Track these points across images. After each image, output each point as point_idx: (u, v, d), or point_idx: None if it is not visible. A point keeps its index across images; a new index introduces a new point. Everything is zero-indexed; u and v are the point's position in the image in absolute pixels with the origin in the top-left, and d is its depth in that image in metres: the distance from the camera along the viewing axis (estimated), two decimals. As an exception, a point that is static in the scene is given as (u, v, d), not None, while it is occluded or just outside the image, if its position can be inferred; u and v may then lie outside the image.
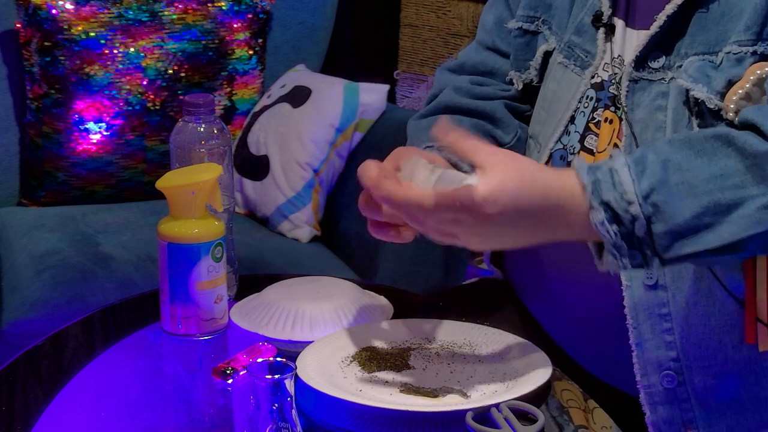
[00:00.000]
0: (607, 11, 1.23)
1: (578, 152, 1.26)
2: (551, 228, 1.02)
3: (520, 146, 1.37)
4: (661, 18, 1.16)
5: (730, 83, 1.11)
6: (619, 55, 1.22)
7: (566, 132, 1.27)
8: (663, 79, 1.17)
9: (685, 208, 1.00)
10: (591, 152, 1.25)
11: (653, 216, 1.00)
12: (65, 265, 1.96)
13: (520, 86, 1.38)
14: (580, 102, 1.26)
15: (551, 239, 1.04)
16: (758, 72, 1.09)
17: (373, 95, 2.28)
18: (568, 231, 1.03)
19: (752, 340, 1.14)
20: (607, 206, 1.00)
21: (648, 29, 1.18)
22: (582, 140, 1.25)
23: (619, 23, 1.23)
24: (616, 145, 1.21)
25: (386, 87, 2.32)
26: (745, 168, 1.01)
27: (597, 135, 1.24)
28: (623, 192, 1.00)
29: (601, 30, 1.24)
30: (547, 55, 1.33)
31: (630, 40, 1.22)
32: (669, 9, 1.15)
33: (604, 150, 1.23)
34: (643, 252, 1.01)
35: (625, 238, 1.00)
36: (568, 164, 1.27)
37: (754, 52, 1.10)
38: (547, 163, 1.31)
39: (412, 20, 2.96)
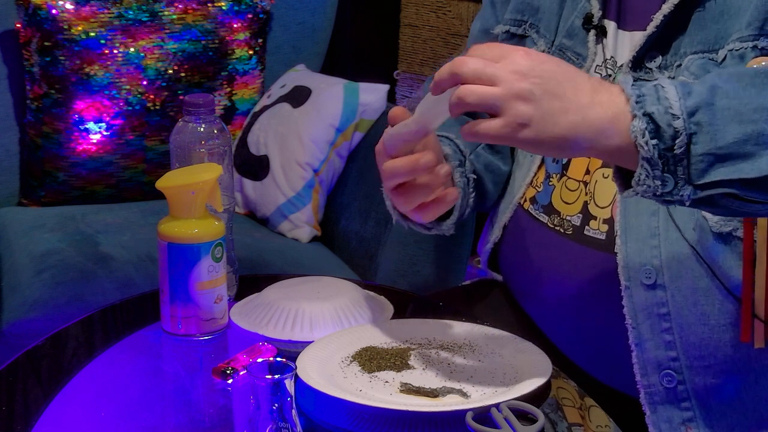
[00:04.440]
0: (597, 13, 1.24)
1: None
2: (594, 105, 0.98)
3: None
4: (657, 18, 1.16)
5: None
6: (612, 57, 1.22)
7: None
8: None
9: (729, 133, 0.97)
10: None
11: (695, 135, 0.97)
12: (65, 265, 1.96)
13: None
14: None
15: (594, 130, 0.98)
16: (755, 66, 1.09)
17: (373, 95, 2.28)
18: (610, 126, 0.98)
19: (747, 338, 1.14)
20: (650, 118, 0.97)
21: (642, 30, 1.18)
22: None
23: (610, 25, 1.23)
24: None
25: (386, 87, 2.32)
26: None
27: None
28: (668, 106, 0.97)
29: (592, 32, 1.24)
30: None
31: (622, 42, 1.22)
32: (666, 9, 1.16)
33: None
34: (676, 176, 0.98)
35: (662, 155, 0.97)
36: (563, 166, 1.28)
37: (755, 47, 1.10)
38: (540, 167, 1.31)
39: (412, 20, 2.96)
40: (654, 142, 0.97)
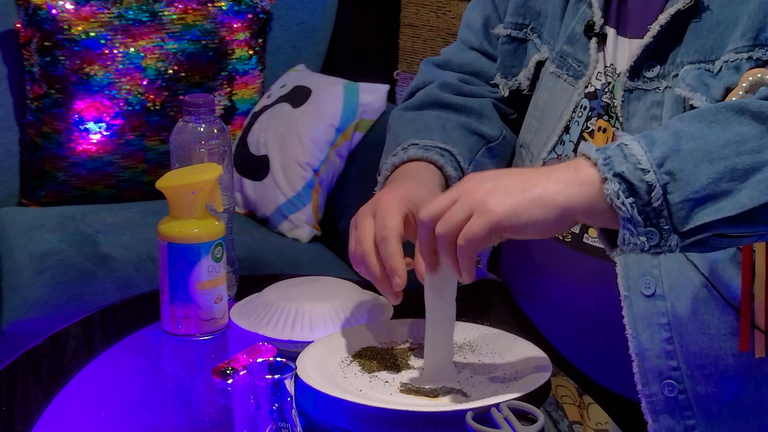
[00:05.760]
0: (599, 20, 1.23)
1: None
2: (564, 183, 0.98)
3: (506, 145, 1.37)
4: (654, 28, 1.16)
5: (728, 90, 1.10)
6: (611, 64, 1.22)
7: (560, 141, 1.27)
8: (657, 88, 1.17)
9: (701, 174, 0.96)
10: None
11: (669, 184, 0.96)
12: (65, 265, 1.96)
13: (506, 93, 1.37)
14: (574, 112, 1.25)
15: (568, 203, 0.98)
16: (750, 78, 1.08)
17: (373, 95, 2.28)
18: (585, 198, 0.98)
19: (746, 347, 1.13)
20: (621, 178, 0.96)
21: (640, 38, 1.18)
22: (576, 149, 1.25)
23: (610, 32, 1.23)
24: None
25: (386, 87, 2.32)
26: (760, 133, 0.98)
27: None
28: (636, 162, 0.96)
29: (593, 39, 1.23)
30: (539, 64, 1.32)
31: (622, 49, 1.22)
32: (662, 19, 1.15)
33: None
34: (660, 229, 0.97)
35: (641, 212, 0.96)
36: None
37: (750, 58, 1.09)
38: None
39: (412, 20, 2.95)
40: (630, 200, 0.96)
